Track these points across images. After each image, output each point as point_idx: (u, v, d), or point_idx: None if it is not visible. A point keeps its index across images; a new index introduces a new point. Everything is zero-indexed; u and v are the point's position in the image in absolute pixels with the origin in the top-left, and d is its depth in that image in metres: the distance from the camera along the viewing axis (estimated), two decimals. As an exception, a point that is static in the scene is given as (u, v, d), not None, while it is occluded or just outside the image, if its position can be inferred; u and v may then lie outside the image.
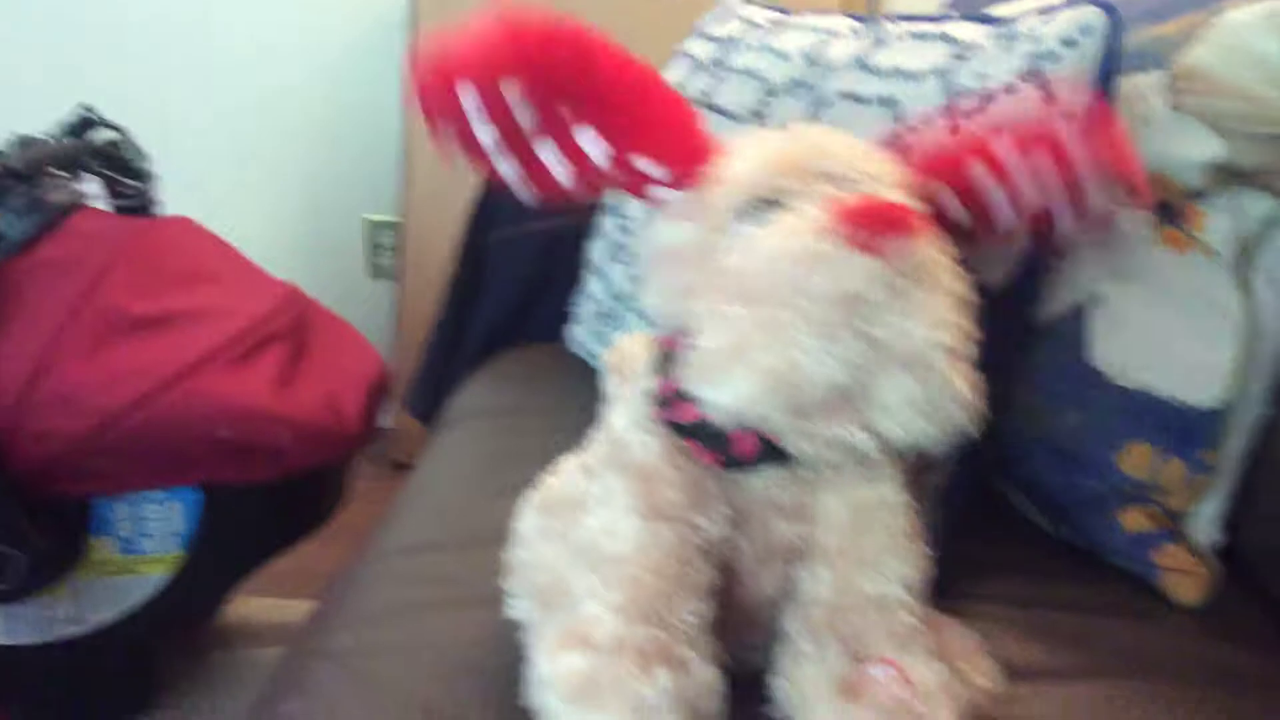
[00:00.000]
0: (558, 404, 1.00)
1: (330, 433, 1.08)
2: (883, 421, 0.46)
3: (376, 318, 1.89)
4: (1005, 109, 0.57)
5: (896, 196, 0.48)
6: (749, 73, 0.81)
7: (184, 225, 1.18)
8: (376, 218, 1.94)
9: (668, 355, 0.54)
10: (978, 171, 0.54)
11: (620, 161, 0.51)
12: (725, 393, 0.45)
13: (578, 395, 1.00)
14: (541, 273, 1.18)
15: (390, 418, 1.84)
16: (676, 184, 0.52)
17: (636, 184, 0.52)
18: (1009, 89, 0.64)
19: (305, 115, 1.91)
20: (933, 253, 0.46)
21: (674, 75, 0.91)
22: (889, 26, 0.74)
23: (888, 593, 0.52)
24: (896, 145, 0.55)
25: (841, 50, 0.75)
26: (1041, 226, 0.56)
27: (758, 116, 0.79)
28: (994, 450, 0.78)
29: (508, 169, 0.51)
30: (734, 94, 0.81)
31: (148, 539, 1.04)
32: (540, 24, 0.49)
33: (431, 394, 1.24)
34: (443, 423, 1.07)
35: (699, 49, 0.89)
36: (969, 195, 0.55)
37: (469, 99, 0.48)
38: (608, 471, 0.54)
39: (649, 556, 0.50)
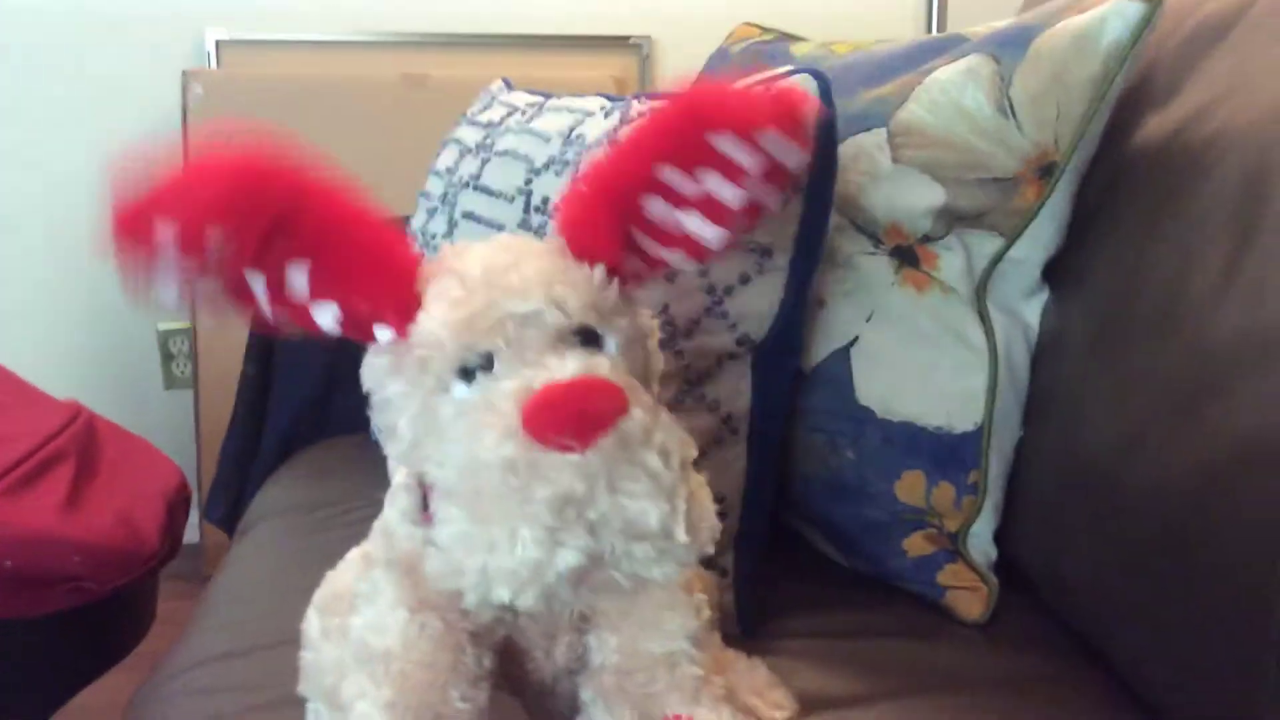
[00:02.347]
0: (360, 495, 0.98)
1: (127, 553, 1.03)
2: (630, 568, 0.46)
3: (177, 429, 1.82)
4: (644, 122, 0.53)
5: (597, 366, 0.47)
6: (513, 154, 0.84)
7: (-50, 353, 1.12)
8: (168, 326, 1.87)
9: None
10: (656, 208, 0.52)
11: (329, 301, 0.49)
12: (472, 591, 0.45)
13: (383, 486, 0.99)
14: (335, 365, 1.17)
15: (198, 531, 1.77)
16: (389, 329, 0.50)
17: (348, 326, 0.50)
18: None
19: (84, 227, 1.84)
20: (635, 424, 0.45)
21: (445, 160, 0.93)
22: (635, 105, 0.78)
23: (672, 648, 0.54)
24: (572, 198, 0.53)
25: (595, 128, 0.79)
26: (753, 219, 0.52)
27: (523, 194, 0.81)
28: (783, 491, 0.82)
29: (205, 299, 0.49)
30: (500, 175, 0.84)
31: (-60, 685, 0.97)
32: (243, 164, 0.48)
33: (232, 500, 1.20)
34: (243, 527, 1.04)
35: (467, 134, 0.92)
36: (656, 229, 0.52)
37: (166, 236, 0.47)
38: (375, 566, 0.54)
39: (416, 648, 0.50)
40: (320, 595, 0.61)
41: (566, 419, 0.44)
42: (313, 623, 0.60)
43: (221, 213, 0.47)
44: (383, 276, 0.50)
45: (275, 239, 0.48)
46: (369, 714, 0.49)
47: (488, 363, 0.48)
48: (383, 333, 0.50)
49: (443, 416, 0.48)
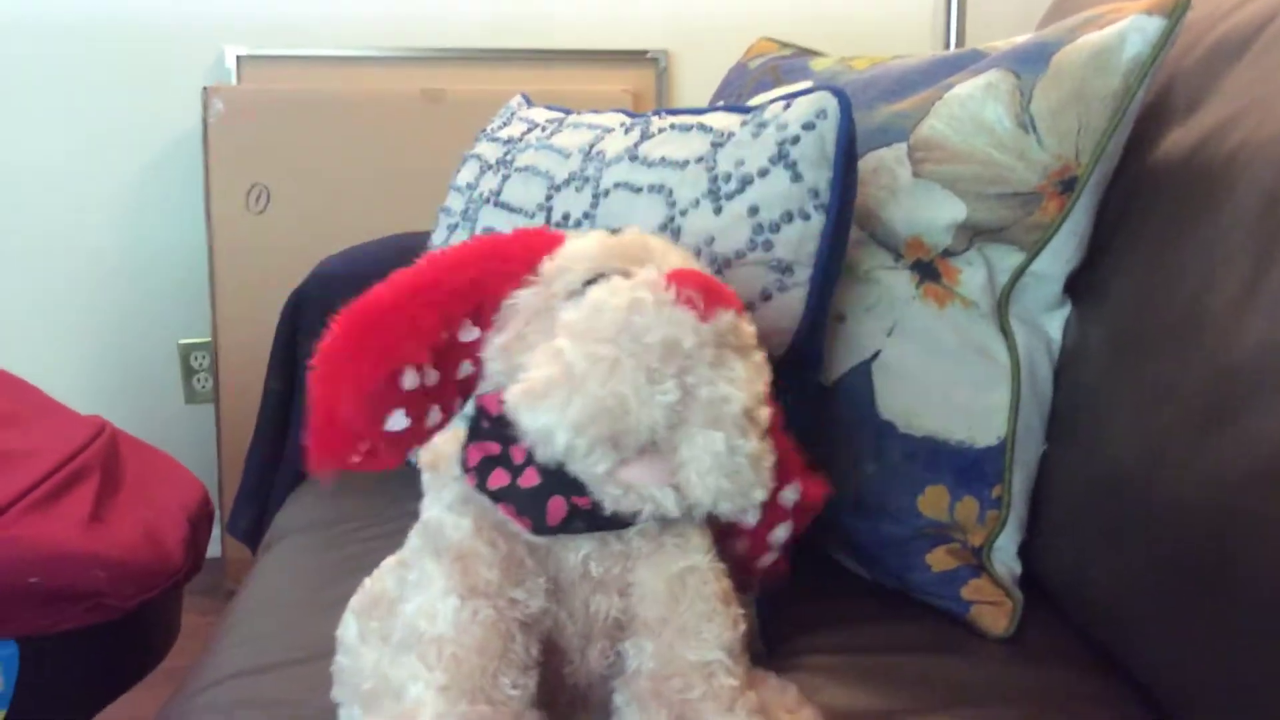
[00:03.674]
0: (381, 510, 0.99)
1: (151, 568, 1.04)
2: (688, 478, 0.50)
3: (198, 443, 1.83)
4: None
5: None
6: (533, 170, 0.84)
7: (-22, 369, 1.14)
8: (189, 340, 1.89)
9: (486, 418, 0.55)
10: None
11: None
12: (551, 416, 0.48)
13: (400, 500, 0.99)
14: (358, 381, 1.17)
15: (220, 546, 1.78)
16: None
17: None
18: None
19: (105, 243, 1.85)
20: (747, 328, 0.52)
21: (465, 176, 0.93)
22: (655, 121, 0.79)
23: (709, 658, 0.54)
24: None
25: (614, 145, 0.79)
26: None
27: (544, 210, 0.82)
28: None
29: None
30: (521, 191, 0.84)
31: (-35, 702, 0.98)
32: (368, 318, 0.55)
33: (255, 515, 1.21)
34: (267, 542, 1.04)
35: (487, 150, 0.93)
36: None
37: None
38: (423, 558, 0.55)
39: (469, 634, 0.51)
40: (357, 600, 0.62)
41: (700, 283, 0.50)
42: (350, 627, 0.61)
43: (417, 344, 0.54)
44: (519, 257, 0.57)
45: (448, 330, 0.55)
46: (423, 697, 0.49)
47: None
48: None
49: (560, 310, 0.52)
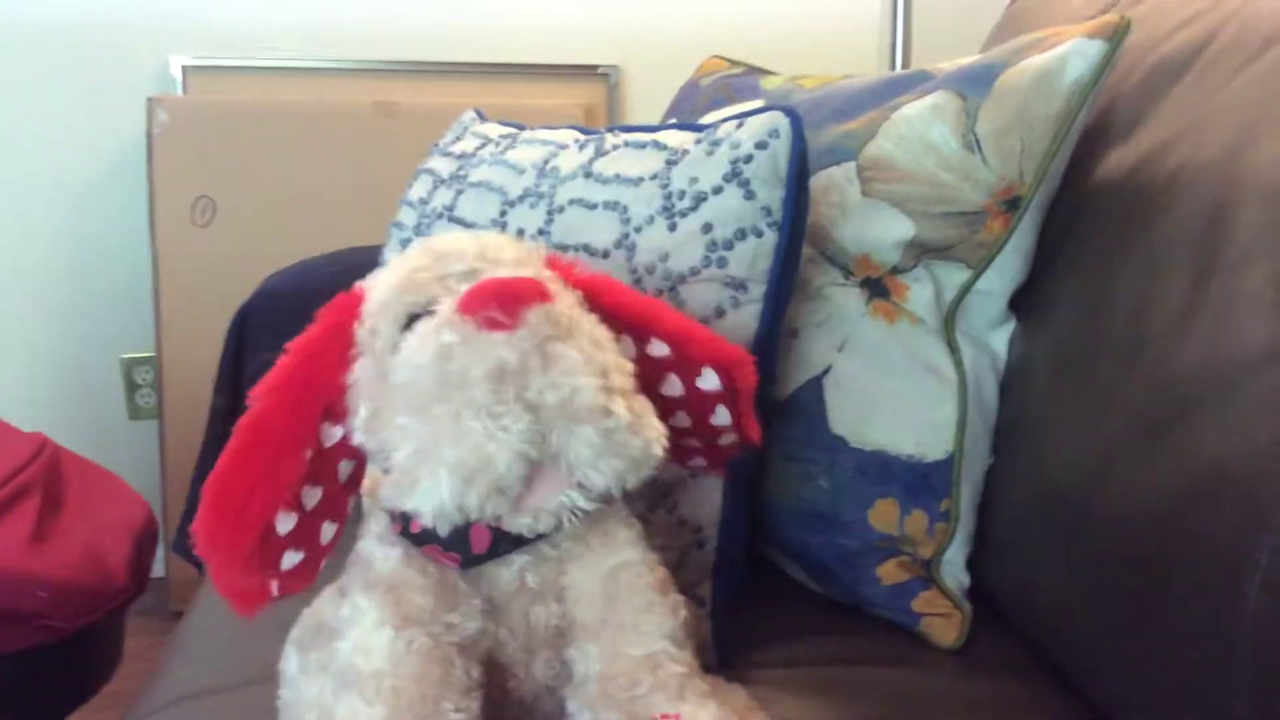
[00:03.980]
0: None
1: (94, 589, 1.02)
2: (582, 473, 0.49)
3: (141, 460, 1.80)
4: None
5: (519, 273, 0.52)
6: (487, 186, 0.84)
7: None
8: (133, 355, 1.85)
9: None
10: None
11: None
12: (426, 499, 0.47)
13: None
14: (307, 397, 1.16)
15: (164, 566, 1.75)
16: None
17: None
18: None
19: (46, 255, 1.82)
20: (561, 309, 0.50)
21: (418, 191, 0.93)
22: (609, 137, 0.79)
23: (653, 649, 0.55)
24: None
25: (569, 161, 0.80)
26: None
27: (499, 226, 0.82)
28: (758, 520, 0.83)
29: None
30: (475, 206, 0.84)
31: (-96, 726, 0.95)
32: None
33: (203, 533, 1.19)
34: (215, 562, 1.03)
35: (440, 165, 0.92)
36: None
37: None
38: (354, 591, 0.54)
39: (406, 664, 0.51)
40: (297, 632, 0.61)
41: (494, 296, 0.48)
42: (291, 660, 0.60)
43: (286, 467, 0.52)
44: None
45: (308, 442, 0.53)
46: None
47: (430, 311, 0.51)
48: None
49: (394, 367, 0.51)
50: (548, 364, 0.48)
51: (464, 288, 0.50)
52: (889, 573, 0.80)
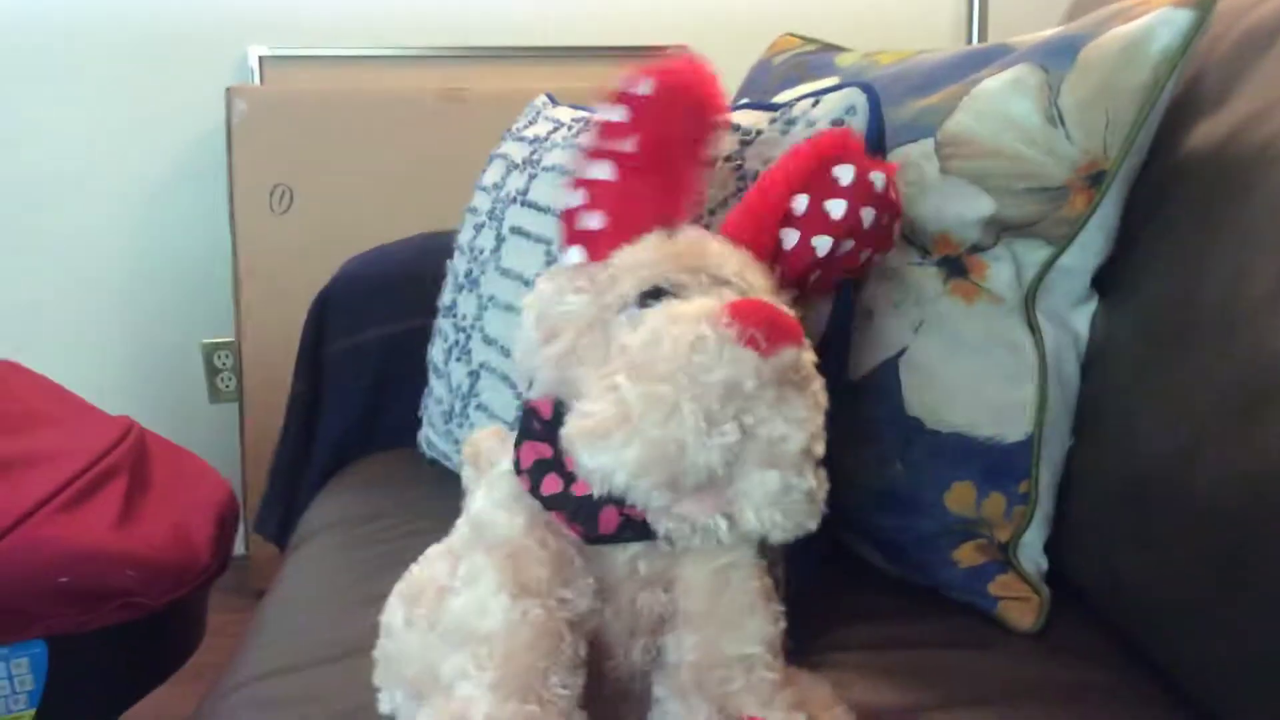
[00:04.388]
0: (411, 507, 0.99)
1: (179, 567, 1.05)
2: (743, 510, 0.50)
3: (221, 442, 1.84)
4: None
5: (782, 305, 0.52)
6: (561, 170, 0.85)
7: (8, 369, 1.15)
8: (213, 340, 1.90)
9: (537, 420, 0.56)
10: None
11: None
12: (609, 459, 0.47)
13: (430, 497, 1.00)
14: (383, 380, 1.18)
15: (244, 544, 1.79)
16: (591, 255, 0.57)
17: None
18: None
19: (129, 243, 1.87)
20: (808, 360, 0.51)
21: (491, 176, 0.94)
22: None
23: (749, 652, 0.55)
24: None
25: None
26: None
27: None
28: (833, 502, 0.82)
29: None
30: (548, 190, 0.84)
31: (-6, 700, 0.99)
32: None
33: (282, 514, 1.22)
34: (295, 541, 1.05)
35: (513, 150, 0.93)
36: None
37: None
38: (474, 552, 0.55)
39: (519, 633, 0.51)
40: (403, 585, 0.62)
41: (762, 320, 0.48)
42: (396, 612, 0.61)
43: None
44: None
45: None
46: (473, 695, 0.50)
47: (664, 295, 0.53)
48: (576, 255, 0.57)
49: (617, 324, 0.53)
50: (778, 402, 0.49)
51: (717, 291, 0.53)
52: (966, 556, 0.79)
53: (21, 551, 0.94)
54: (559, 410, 0.55)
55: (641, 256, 0.55)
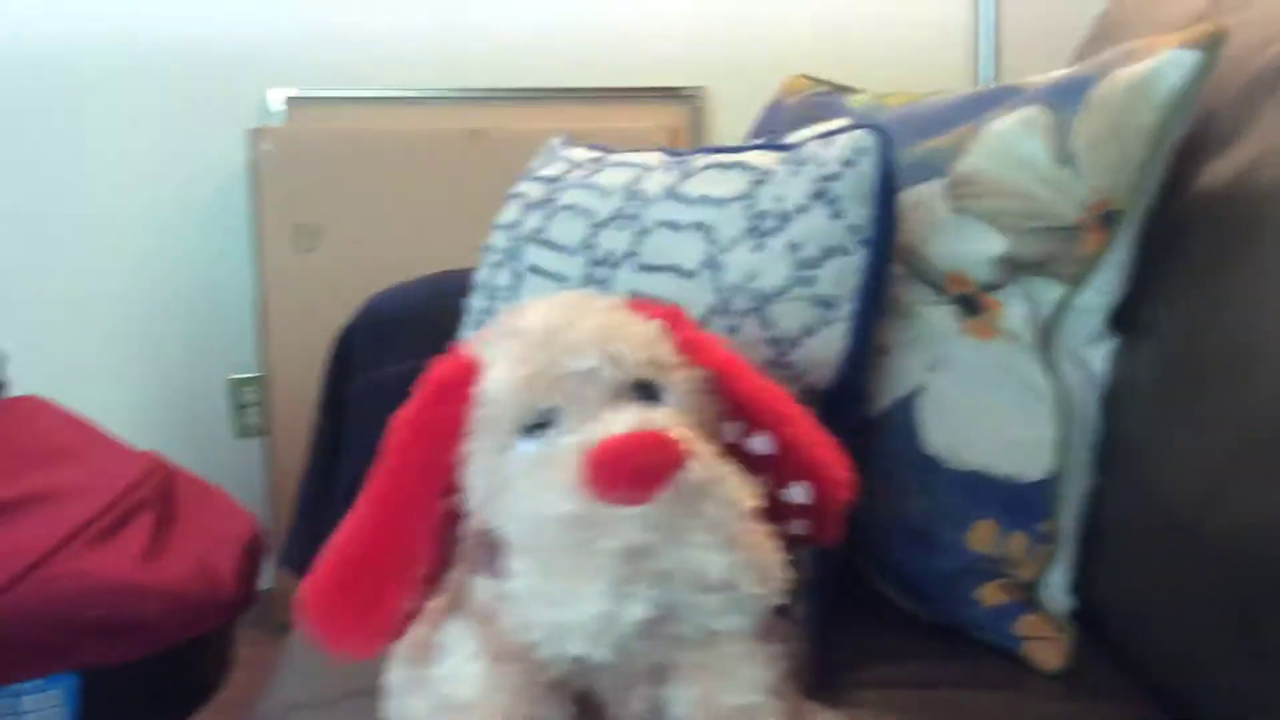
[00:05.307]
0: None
1: (205, 601, 1.06)
2: (702, 621, 0.49)
3: (247, 477, 1.86)
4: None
5: (654, 419, 0.49)
6: (576, 209, 0.86)
7: (35, 404, 1.17)
8: (239, 376, 1.92)
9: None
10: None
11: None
12: (546, 645, 0.48)
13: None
14: (405, 416, 1.19)
15: (270, 578, 1.80)
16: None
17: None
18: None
19: (155, 280, 1.89)
20: (697, 473, 0.47)
21: (508, 215, 0.95)
22: (695, 159, 0.80)
23: (750, 701, 0.54)
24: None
25: (655, 183, 0.81)
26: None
27: (587, 248, 0.83)
28: (853, 539, 0.82)
29: None
30: (564, 229, 0.86)
31: (31, 732, 1.00)
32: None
33: (307, 548, 1.22)
34: (319, 577, 1.06)
35: (530, 189, 0.95)
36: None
37: None
38: (452, 617, 0.56)
39: (496, 699, 0.51)
40: (402, 646, 0.62)
41: (625, 474, 0.45)
42: (397, 674, 0.61)
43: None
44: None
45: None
46: None
47: (550, 419, 0.51)
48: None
49: (509, 472, 0.51)
50: (679, 538, 0.46)
51: (587, 392, 0.50)
52: (989, 595, 0.78)
53: (51, 585, 0.96)
54: None
55: (499, 388, 0.52)
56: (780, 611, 0.59)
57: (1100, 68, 0.76)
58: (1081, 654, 0.77)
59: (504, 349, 0.54)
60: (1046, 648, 0.77)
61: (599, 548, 0.45)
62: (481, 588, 0.55)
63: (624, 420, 0.48)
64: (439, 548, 0.54)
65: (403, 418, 0.55)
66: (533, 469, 0.49)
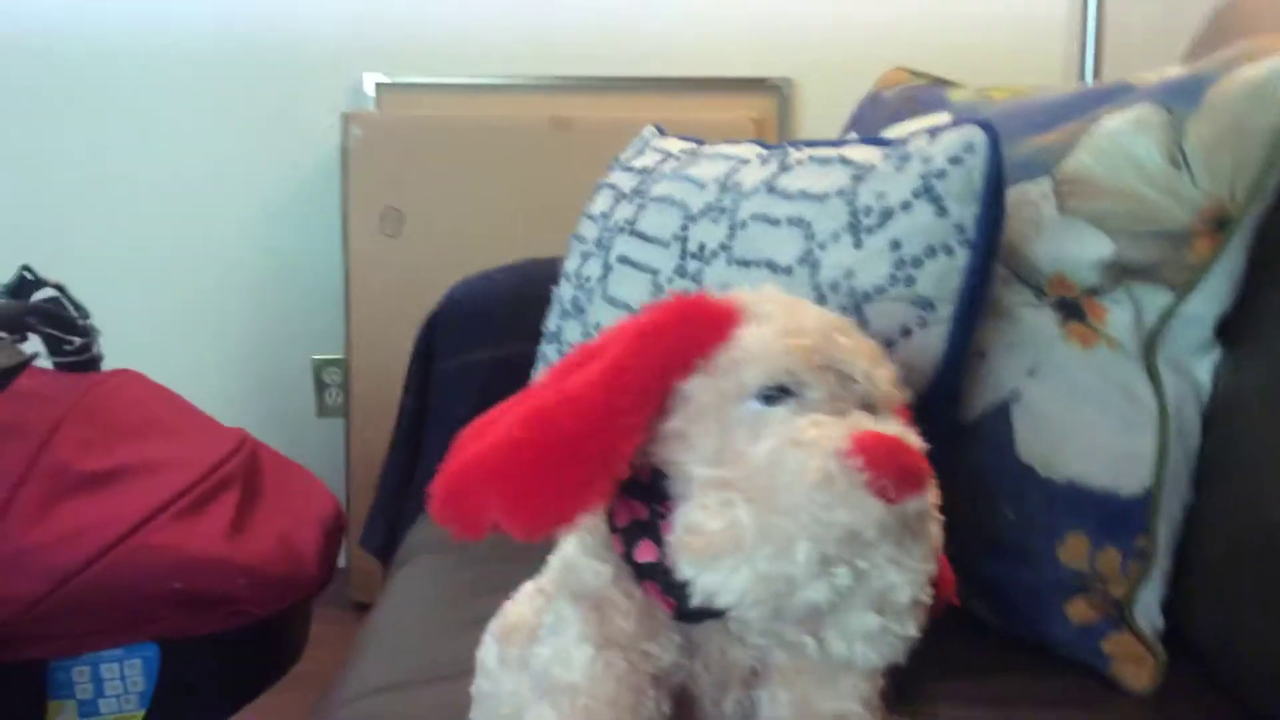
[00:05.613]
0: (511, 532, 1.00)
1: (287, 578, 1.08)
2: (834, 639, 0.49)
3: (328, 456, 1.89)
4: None
5: (911, 437, 0.49)
6: (668, 200, 0.85)
7: (129, 378, 1.19)
8: (323, 356, 1.96)
9: (635, 483, 0.54)
10: None
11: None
12: (715, 580, 0.46)
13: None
14: (488, 401, 1.19)
15: (345, 557, 1.83)
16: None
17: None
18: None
19: (245, 260, 1.94)
20: (931, 505, 0.49)
21: (599, 205, 0.95)
22: (793, 152, 0.79)
23: (844, 709, 0.54)
24: None
25: (751, 176, 0.80)
26: None
27: (679, 241, 0.83)
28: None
29: None
30: (656, 221, 0.85)
31: (107, 700, 1.02)
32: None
33: (387, 530, 1.24)
34: (400, 558, 1.07)
35: (621, 180, 0.94)
36: None
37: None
38: (560, 599, 0.55)
39: (601, 686, 0.51)
40: (497, 625, 0.63)
41: (895, 466, 0.46)
42: (490, 651, 0.62)
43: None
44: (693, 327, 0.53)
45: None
46: None
47: (788, 395, 0.50)
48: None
49: (729, 419, 0.50)
50: (895, 551, 0.47)
51: (840, 392, 0.51)
52: (1078, 611, 0.76)
53: (137, 557, 0.98)
54: (657, 478, 0.53)
55: (769, 345, 0.51)
56: None
57: (1220, 66, 0.73)
58: (1172, 676, 0.74)
59: (773, 311, 0.54)
60: (1136, 668, 0.74)
61: (834, 518, 0.45)
62: (590, 571, 0.55)
63: (891, 427, 0.49)
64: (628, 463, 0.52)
65: (638, 324, 0.54)
66: (788, 423, 0.49)
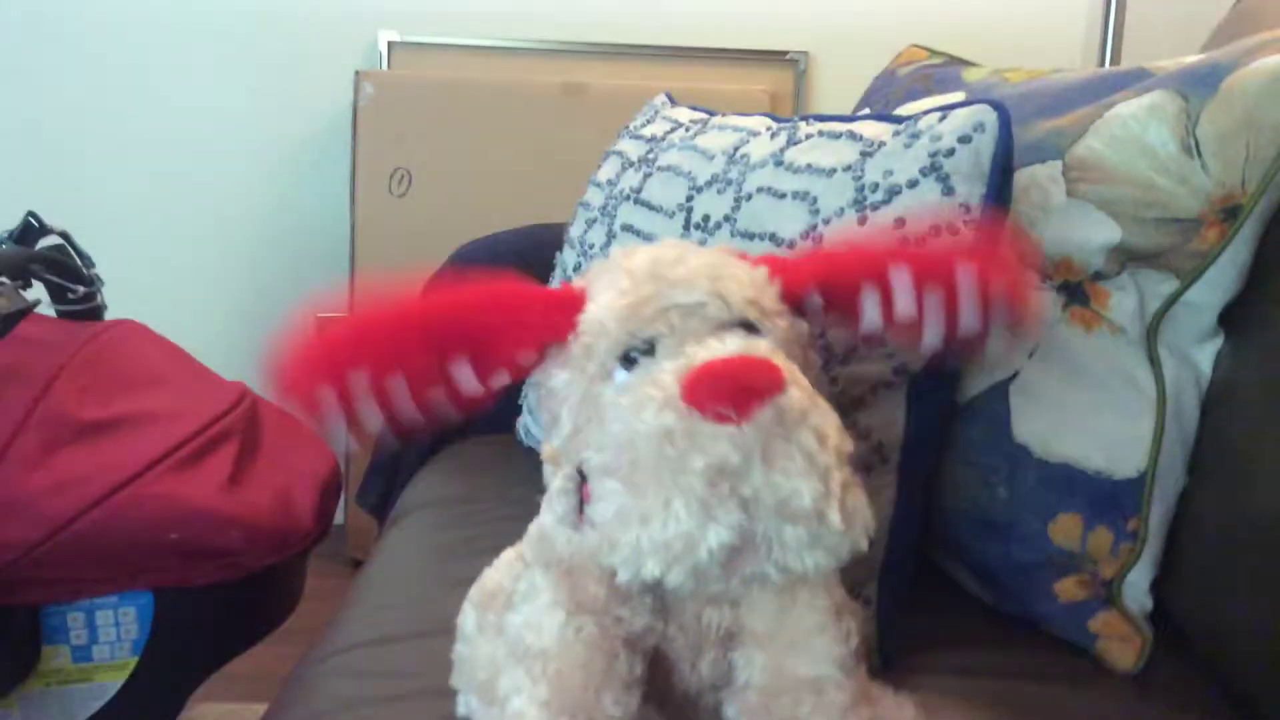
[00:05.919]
0: (505, 492, 1.01)
1: (282, 532, 1.08)
2: (784, 558, 0.47)
3: (328, 413, 1.90)
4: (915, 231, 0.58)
5: (756, 347, 0.48)
6: (675, 170, 0.85)
7: (131, 328, 1.19)
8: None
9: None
10: (867, 293, 0.56)
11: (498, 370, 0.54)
12: (625, 566, 0.46)
13: (524, 483, 1.01)
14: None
15: (342, 513, 1.84)
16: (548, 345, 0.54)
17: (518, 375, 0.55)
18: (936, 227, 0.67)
19: (253, 215, 1.94)
20: (794, 399, 0.46)
21: (606, 172, 0.95)
22: (802, 126, 0.79)
23: (820, 673, 0.53)
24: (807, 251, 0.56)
25: (760, 148, 0.79)
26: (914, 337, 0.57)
27: (684, 211, 0.82)
28: (930, 525, 0.81)
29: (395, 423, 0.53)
30: (662, 190, 0.85)
31: (100, 646, 1.03)
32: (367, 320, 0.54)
33: (383, 488, 1.25)
34: (394, 516, 1.08)
35: (629, 147, 0.94)
36: (848, 305, 0.56)
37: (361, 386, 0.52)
38: (533, 566, 0.55)
39: (572, 651, 0.51)
40: (476, 591, 0.63)
41: (725, 390, 0.45)
42: (469, 617, 0.62)
43: (401, 360, 0.52)
44: (526, 309, 0.54)
45: (440, 359, 0.52)
46: (524, 710, 0.50)
47: (650, 350, 0.50)
48: (528, 359, 0.54)
49: (604, 402, 0.51)
50: (769, 462, 0.45)
51: (691, 325, 0.49)
52: (1066, 590, 0.77)
53: (135, 506, 0.98)
54: None
55: (603, 316, 0.52)
56: (851, 591, 0.58)
57: (1239, 55, 0.73)
58: (1157, 656, 0.75)
59: (610, 280, 0.53)
60: (1121, 647, 0.75)
61: (690, 465, 0.44)
62: (563, 539, 0.55)
63: (727, 346, 0.48)
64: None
65: (501, 289, 0.54)
66: (629, 389, 0.49)
